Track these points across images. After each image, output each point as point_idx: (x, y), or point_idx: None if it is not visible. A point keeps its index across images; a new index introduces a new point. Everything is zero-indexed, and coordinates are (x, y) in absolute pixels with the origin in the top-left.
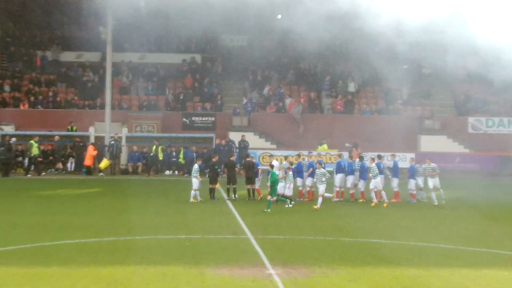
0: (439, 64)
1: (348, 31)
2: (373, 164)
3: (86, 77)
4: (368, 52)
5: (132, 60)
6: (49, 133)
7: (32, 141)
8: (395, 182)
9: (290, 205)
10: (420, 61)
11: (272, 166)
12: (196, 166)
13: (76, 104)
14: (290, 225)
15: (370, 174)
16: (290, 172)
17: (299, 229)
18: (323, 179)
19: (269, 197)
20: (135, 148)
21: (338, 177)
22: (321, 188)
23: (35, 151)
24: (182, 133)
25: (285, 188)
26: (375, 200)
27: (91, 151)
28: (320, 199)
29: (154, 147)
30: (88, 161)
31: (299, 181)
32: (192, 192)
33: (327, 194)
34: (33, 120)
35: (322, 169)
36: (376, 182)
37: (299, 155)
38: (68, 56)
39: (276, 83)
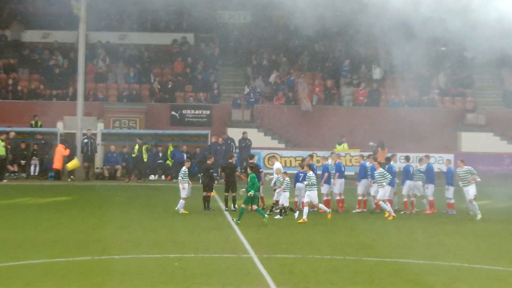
0: (484, 46)
1: (373, 5)
2: (380, 169)
3: (53, 61)
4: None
5: (110, 40)
6: (6, 129)
7: None
8: (430, 189)
9: (280, 217)
10: (461, 42)
11: (281, 172)
12: (184, 169)
13: (41, 95)
14: (302, 242)
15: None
16: (287, 178)
17: (313, 246)
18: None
19: (243, 205)
20: (112, 148)
21: (362, 184)
22: (311, 195)
23: (1, 151)
24: (171, 130)
25: (279, 196)
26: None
27: (61, 151)
28: (306, 210)
29: (137, 146)
30: (57, 164)
31: (323, 188)
32: (181, 202)
33: (321, 206)
34: None
35: (311, 173)
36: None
37: (311, 156)
38: (32, 36)
39: (285, 68)
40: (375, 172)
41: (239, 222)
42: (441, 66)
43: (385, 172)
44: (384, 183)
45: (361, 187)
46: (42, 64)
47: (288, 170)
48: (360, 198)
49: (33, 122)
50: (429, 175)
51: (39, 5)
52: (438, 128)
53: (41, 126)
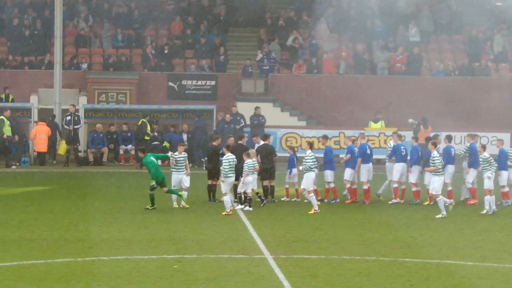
0: None
1: None
2: (435, 152)
3: (25, 21)
4: None
5: None
6: None
7: (2, 117)
8: (471, 175)
9: (261, 205)
10: None
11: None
12: (176, 155)
13: (10, 63)
14: (327, 240)
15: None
16: (249, 160)
17: (339, 245)
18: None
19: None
20: (99, 126)
21: (398, 168)
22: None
23: (7, 131)
24: (168, 104)
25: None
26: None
27: (45, 131)
28: (313, 198)
29: (141, 121)
30: (41, 146)
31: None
32: (184, 193)
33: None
34: None
35: (310, 152)
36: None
37: (325, 138)
38: None
39: (306, 29)
40: (431, 157)
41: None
42: (497, 26)
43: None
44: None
45: (396, 172)
46: (10, 26)
47: None
48: (395, 186)
49: (3, 96)
50: (473, 158)
51: None
52: (493, 101)
53: (12, 101)
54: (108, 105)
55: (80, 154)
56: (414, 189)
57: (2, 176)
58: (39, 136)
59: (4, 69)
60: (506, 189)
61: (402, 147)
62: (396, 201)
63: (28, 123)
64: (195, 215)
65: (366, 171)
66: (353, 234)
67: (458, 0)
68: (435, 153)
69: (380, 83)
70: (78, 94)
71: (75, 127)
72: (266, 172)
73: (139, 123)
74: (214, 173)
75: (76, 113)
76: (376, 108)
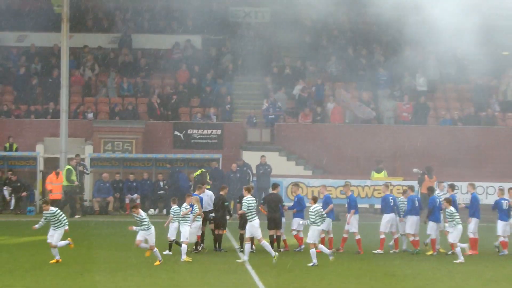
0: None
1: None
2: (451, 208)
3: (31, 70)
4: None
5: (100, 44)
6: None
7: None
8: (472, 224)
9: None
10: None
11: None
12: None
13: (15, 112)
14: None
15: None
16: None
17: None
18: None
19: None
20: (106, 176)
21: (387, 219)
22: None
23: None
24: (174, 153)
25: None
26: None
27: (58, 179)
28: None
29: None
30: (55, 194)
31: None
32: (183, 246)
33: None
34: None
35: (315, 207)
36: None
37: (347, 186)
38: (3, 39)
39: (312, 77)
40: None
41: None
42: (503, 75)
43: (454, 212)
44: (454, 223)
45: (410, 225)
46: (16, 74)
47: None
48: (412, 238)
49: (7, 145)
50: (474, 207)
51: (11, 1)
52: (499, 151)
53: (16, 150)
54: (114, 154)
55: (85, 203)
56: (411, 238)
57: (8, 225)
58: (52, 183)
59: (10, 118)
60: (506, 239)
61: (390, 198)
62: (381, 251)
63: (34, 172)
64: (201, 264)
65: (355, 221)
66: (359, 284)
67: (464, 50)
68: (452, 209)
69: (385, 132)
70: (84, 143)
71: (85, 172)
72: (272, 221)
73: (199, 172)
74: (222, 222)
75: (82, 163)
76: (380, 157)
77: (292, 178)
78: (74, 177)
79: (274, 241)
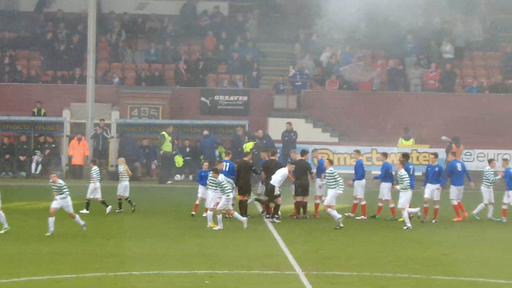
0: None
1: None
2: (402, 170)
3: (58, 35)
4: None
5: (127, 10)
6: (3, 117)
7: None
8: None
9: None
10: None
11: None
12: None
13: (43, 77)
14: (359, 256)
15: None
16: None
17: (372, 261)
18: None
19: None
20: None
21: (430, 188)
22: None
23: (167, 147)
24: (201, 120)
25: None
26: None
27: (81, 145)
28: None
29: (165, 135)
30: (78, 159)
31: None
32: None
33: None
34: None
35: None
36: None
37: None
38: (28, 5)
39: (340, 45)
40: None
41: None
42: None
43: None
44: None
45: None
46: (43, 39)
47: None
48: (426, 205)
49: (35, 110)
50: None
51: None
52: None
53: (44, 115)
54: (141, 120)
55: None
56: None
57: (35, 190)
58: (75, 149)
59: (37, 83)
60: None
61: (437, 167)
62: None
63: (61, 137)
64: (227, 230)
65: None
66: (385, 251)
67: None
68: (402, 171)
69: (413, 100)
70: (111, 108)
71: (106, 137)
72: (300, 187)
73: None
74: (246, 188)
75: (105, 127)
76: (406, 124)
77: (318, 145)
78: (167, 144)
79: (301, 205)
